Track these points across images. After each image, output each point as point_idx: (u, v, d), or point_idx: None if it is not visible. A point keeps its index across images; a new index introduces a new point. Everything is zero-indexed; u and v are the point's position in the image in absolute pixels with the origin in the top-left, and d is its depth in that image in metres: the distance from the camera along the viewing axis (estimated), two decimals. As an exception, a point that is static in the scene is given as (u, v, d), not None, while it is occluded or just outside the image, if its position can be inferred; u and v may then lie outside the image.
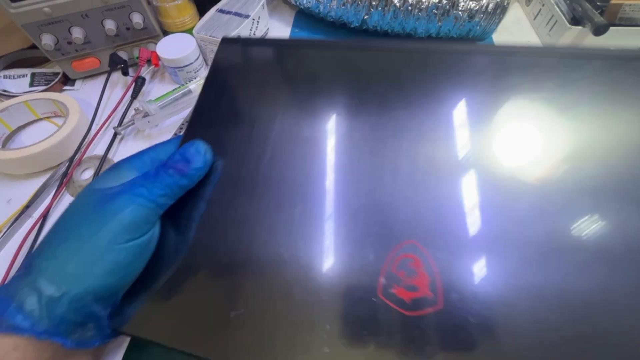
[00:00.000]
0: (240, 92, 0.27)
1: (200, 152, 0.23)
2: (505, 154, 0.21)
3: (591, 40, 0.44)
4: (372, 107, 0.24)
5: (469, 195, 0.20)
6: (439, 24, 0.44)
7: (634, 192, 0.19)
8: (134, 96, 0.41)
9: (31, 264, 0.19)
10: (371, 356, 0.18)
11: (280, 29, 0.52)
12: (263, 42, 0.31)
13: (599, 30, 0.40)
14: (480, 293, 0.18)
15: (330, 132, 0.24)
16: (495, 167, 0.21)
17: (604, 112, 0.22)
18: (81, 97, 0.43)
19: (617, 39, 0.44)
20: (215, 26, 0.43)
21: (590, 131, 0.21)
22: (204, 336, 0.19)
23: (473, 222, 0.19)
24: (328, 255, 0.20)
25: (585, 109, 0.22)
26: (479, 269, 0.18)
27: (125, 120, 0.39)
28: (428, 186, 0.21)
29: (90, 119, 0.39)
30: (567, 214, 0.19)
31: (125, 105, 0.40)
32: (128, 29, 0.41)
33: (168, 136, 0.38)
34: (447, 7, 0.42)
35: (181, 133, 0.33)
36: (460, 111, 0.23)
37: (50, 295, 0.18)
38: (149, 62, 0.43)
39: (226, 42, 0.30)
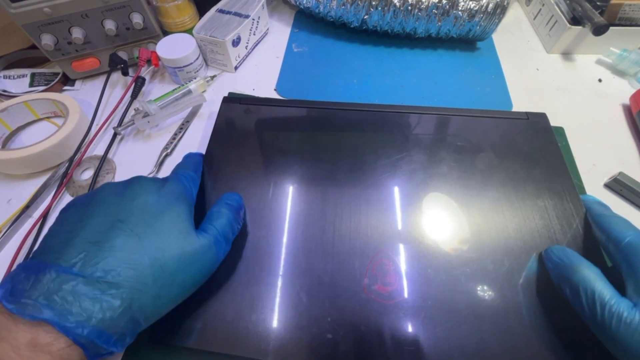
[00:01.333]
0: (240, 143, 0.34)
1: (242, 205, 0.28)
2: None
3: (591, 40, 0.44)
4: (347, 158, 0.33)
5: (421, 217, 0.29)
6: (439, 24, 0.44)
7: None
8: (134, 96, 0.41)
9: (129, 295, 0.19)
10: (361, 338, 0.23)
11: (280, 29, 0.52)
12: (257, 101, 0.38)
13: (598, 30, 0.40)
14: (429, 285, 0.26)
15: (320, 178, 0.31)
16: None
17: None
18: (81, 97, 0.43)
19: (617, 38, 0.44)
20: (215, 26, 0.43)
21: None
22: (228, 338, 0.24)
23: (424, 236, 0.28)
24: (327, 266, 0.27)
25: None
26: (427, 267, 0.26)
27: (125, 120, 0.39)
28: (393, 213, 0.29)
29: (90, 119, 0.39)
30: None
31: (125, 106, 0.40)
32: (128, 29, 0.41)
33: (168, 136, 0.38)
34: (447, 7, 0.42)
35: (175, 141, 0.38)
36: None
37: (142, 328, 0.21)
38: (148, 62, 0.43)
39: (227, 100, 0.38)
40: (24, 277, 0.18)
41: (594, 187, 0.34)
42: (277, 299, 0.25)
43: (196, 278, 0.22)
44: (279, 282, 0.26)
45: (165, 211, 0.22)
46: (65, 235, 0.20)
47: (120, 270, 0.19)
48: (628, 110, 0.40)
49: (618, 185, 0.33)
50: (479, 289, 0.25)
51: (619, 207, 0.33)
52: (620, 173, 0.33)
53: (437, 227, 0.28)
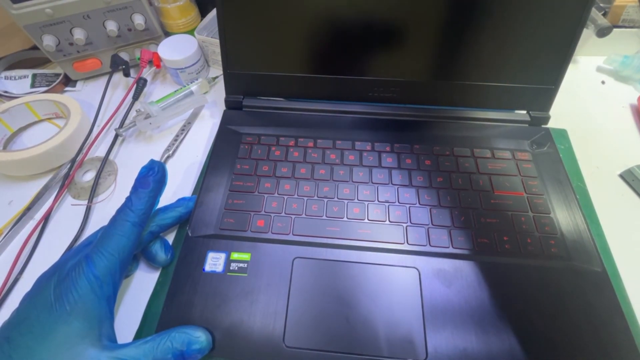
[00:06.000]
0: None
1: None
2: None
3: (594, 42, 0.44)
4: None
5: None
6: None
7: None
8: (136, 97, 0.41)
9: None
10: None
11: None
12: (260, 101, 0.38)
13: (602, 32, 0.40)
14: None
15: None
16: None
17: None
18: (82, 98, 0.43)
19: (620, 40, 0.44)
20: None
21: None
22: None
23: None
24: None
25: None
26: None
27: (127, 121, 0.39)
28: None
29: (92, 120, 0.39)
30: None
31: (127, 107, 0.40)
32: (130, 30, 0.41)
33: (169, 138, 0.38)
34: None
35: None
36: None
37: None
38: (150, 63, 0.42)
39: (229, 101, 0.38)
40: None
41: (609, 176, 0.35)
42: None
43: None
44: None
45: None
46: None
47: None
48: (636, 111, 0.40)
49: (631, 175, 0.34)
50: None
51: (628, 199, 0.33)
52: (638, 165, 0.34)
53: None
